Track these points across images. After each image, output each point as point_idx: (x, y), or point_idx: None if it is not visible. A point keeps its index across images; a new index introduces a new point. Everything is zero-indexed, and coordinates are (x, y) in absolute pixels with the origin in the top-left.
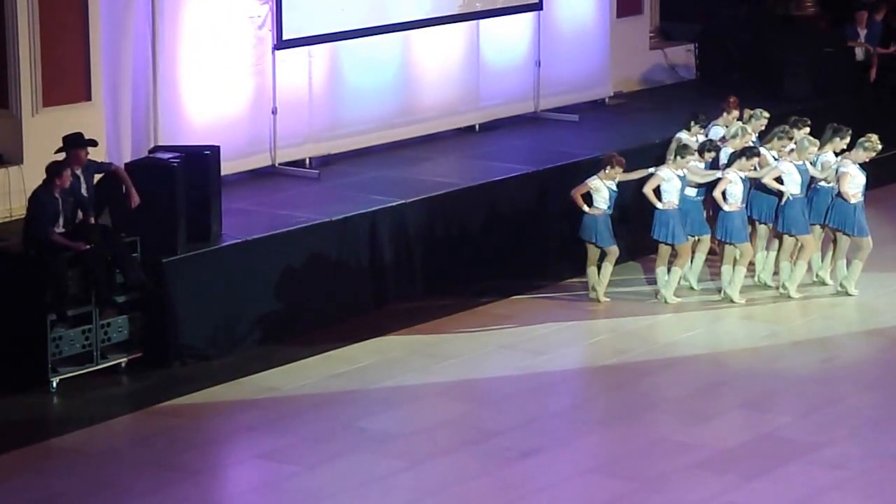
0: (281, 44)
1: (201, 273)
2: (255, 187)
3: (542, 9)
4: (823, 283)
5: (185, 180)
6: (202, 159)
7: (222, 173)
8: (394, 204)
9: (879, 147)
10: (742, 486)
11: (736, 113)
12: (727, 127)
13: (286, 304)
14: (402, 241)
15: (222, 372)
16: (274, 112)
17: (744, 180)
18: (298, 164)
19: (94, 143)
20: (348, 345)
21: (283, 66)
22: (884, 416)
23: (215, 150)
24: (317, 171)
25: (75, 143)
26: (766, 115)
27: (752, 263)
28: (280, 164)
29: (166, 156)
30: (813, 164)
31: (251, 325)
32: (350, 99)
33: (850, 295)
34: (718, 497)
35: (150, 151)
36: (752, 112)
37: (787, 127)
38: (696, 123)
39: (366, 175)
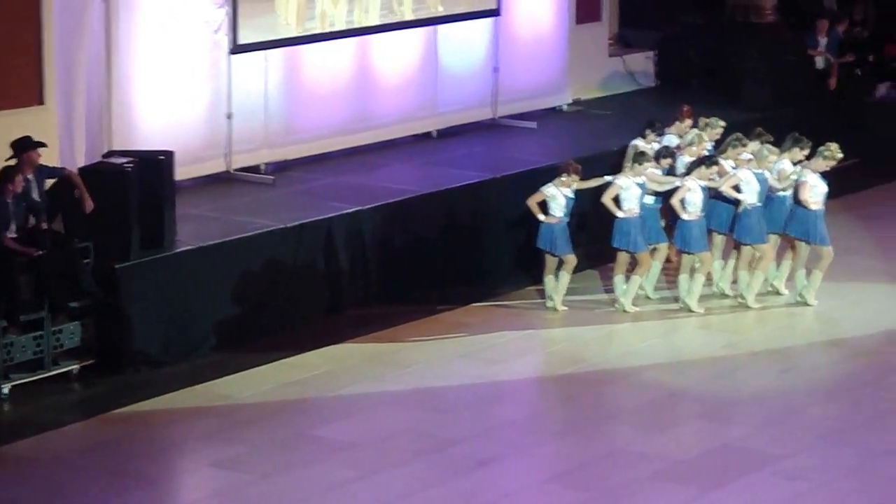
0: (236, 48)
1: (155, 279)
2: (209, 193)
3: (500, 15)
4: (778, 293)
5: (138, 185)
6: (156, 164)
7: (177, 178)
8: (350, 210)
9: (839, 156)
10: (700, 497)
11: (689, 122)
12: (680, 136)
13: (241, 310)
14: (359, 248)
15: (176, 379)
16: (229, 117)
17: (703, 189)
18: (254, 169)
19: (43, 145)
20: (304, 352)
21: (239, 71)
22: (842, 427)
23: (170, 154)
24: (272, 177)
25: (25, 146)
26: (722, 123)
27: (709, 273)
28: (235, 170)
29: (120, 161)
30: (770, 172)
31: (206, 332)
32: (306, 104)
33: (809, 305)
34: None
35: (103, 156)
36: (707, 120)
37: (740, 135)
38: (651, 131)
39: (322, 181)
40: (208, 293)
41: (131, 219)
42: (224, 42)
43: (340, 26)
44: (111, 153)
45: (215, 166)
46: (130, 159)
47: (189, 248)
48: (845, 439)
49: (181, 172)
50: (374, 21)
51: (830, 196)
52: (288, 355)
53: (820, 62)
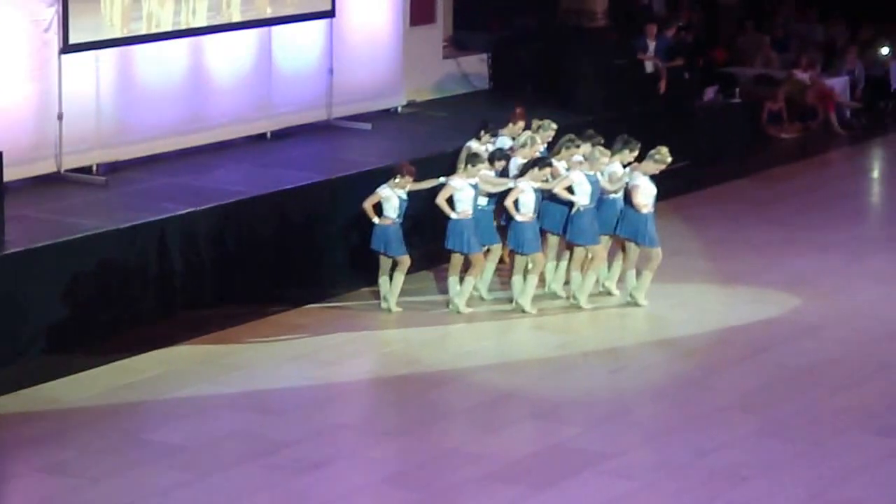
0: (67, 48)
1: None
2: (39, 194)
3: (334, 16)
4: (610, 293)
5: None
6: None
7: (5, 179)
8: (183, 212)
9: (669, 159)
10: (532, 496)
11: (522, 124)
12: (513, 137)
13: (72, 313)
14: (192, 250)
15: (3, 383)
16: (60, 117)
17: (536, 190)
18: (85, 170)
19: None
20: (135, 355)
21: (70, 71)
22: (672, 425)
23: None
24: (104, 178)
25: None
26: (554, 125)
27: (542, 273)
28: (66, 171)
29: None
30: (602, 174)
31: (35, 335)
32: (139, 105)
33: (639, 305)
34: None
35: None
36: (540, 123)
37: (573, 137)
38: (485, 132)
39: (155, 182)
40: (38, 295)
41: None
42: (54, 41)
43: (167, 27)
44: None
45: (45, 167)
46: None
47: (18, 249)
48: (673, 438)
49: (10, 173)
50: (202, 22)
51: (659, 198)
52: (120, 358)
53: (649, 66)
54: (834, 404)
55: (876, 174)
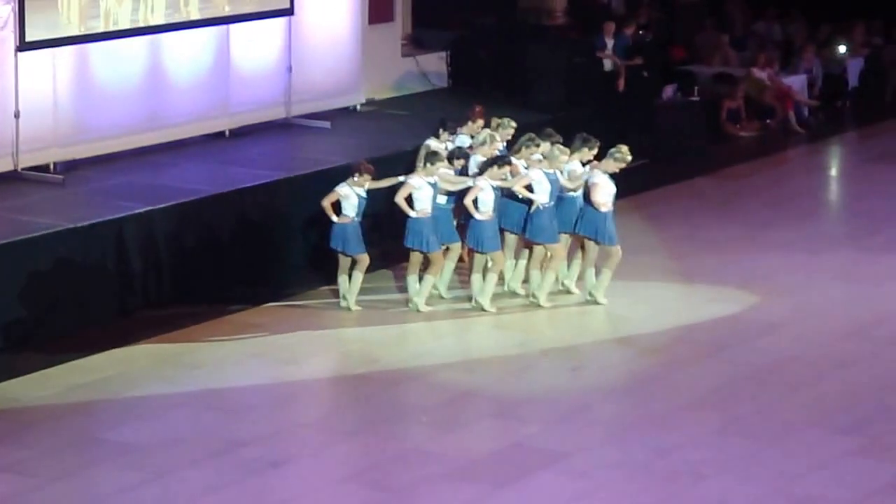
0: (24, 45)
1: None
2: None
3: (293, 14)
4: (569, 292)
5: None
6: None
7: None
8: (141, 210)
9: (629, 158)
10: (492, 494)
11: (481, 122)
12: (473, 136)
13: (28, 312)
14: (150, 249)
15: None
16: (16, 115)
17: (495, 189)
18: (42, 168)
19: None
20: (93, 354)
21: (27, 69)
22: (631, 424)
23: None
24: (61, 177)
25: None
26: (514, 124)
27: (501, 272)
28: (23, 169)
29: None
30: (561, 172)
31: None
32: (97, 103)
33: (598, 304)
34: None
35: None
36: (499, 121)
37: (532, 135)
38: (444, 130)
39: (112, 181)
40: None
41: None
42: (10, 39)
43: (125, 25)
44: None
45: (2, 165)
46: None
47: None
48: (634, 436)
49: None
50: (160, 20)
51: (619, 196)
52: (77, 357)
53: (608, 64)
54: (793, 402)
55: (834, 172)
